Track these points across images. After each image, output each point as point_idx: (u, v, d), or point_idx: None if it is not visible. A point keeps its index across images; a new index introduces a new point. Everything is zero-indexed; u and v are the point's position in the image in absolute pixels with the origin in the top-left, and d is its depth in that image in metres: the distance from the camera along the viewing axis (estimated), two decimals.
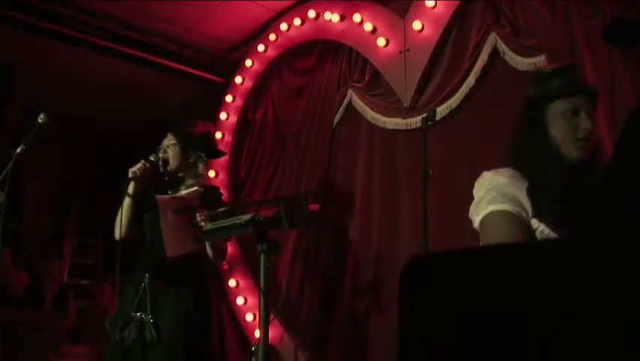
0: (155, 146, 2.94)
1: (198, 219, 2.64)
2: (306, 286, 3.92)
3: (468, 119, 3.32)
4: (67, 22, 4.38)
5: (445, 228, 3.04)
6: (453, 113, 3.35)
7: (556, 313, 0.63)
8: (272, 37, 4.49)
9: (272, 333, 3.56)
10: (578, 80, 1.81)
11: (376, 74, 3.83)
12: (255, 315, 4.13)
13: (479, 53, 3.27)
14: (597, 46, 2.77)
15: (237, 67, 4.78)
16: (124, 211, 2.82)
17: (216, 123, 4.69)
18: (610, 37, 2.63)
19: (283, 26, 4.40)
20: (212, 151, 3.06)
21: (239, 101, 4.75)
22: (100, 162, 6.16)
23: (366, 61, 3.91)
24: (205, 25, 4.71)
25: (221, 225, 2.35)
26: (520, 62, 3.05)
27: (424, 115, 2.90)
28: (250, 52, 4.69)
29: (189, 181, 2.91)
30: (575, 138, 1.73)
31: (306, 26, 4.30)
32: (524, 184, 1.67)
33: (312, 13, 4.21)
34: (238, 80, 4.72)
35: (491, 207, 1.66)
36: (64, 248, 6.47)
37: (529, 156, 1.74)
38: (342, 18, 4.04)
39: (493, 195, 1.67)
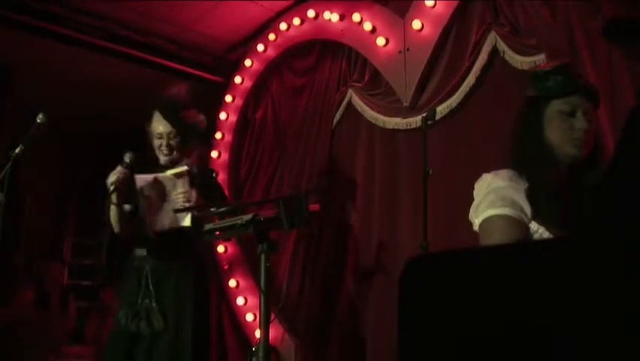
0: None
1: (182, 197, 2.66)
2: (307, 287, 3.92)
3: (468, 118, 3.31)
4: (66, 23, 4.37)
5: (445, 228, 3.04)
6: (453, 112, 3.35)
7: (556, 314, 0.62)
8: (271, 36, 4.48)
9: (272, 333, 3.55)
10: (576, 79, 1.79)
11: (376, 74, 3.83)
12: (255, 315, 4.13)
13: (479, 52, 3.26)
14: (597, 46, 2.77)
15: (237, 67, 4.77)
16: (113, 215, 2.83)
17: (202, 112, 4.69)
18: (610, 34, 2.62)
19: (283, 26, 4.40)
20: (209, 137, 3.07)
21: (238, 101, 4.75)
22: (99, 162, 6.15)
23: (365, 60, 3.91)
24: (204, 25, 4.70)
25: (222, 225, 2.35)
26: (520, 61, 3.05)
27: (424, 114, 2.90)
28: (250, 52, 4.68)
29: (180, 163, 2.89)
30: (572, 138, 1.72)
31: (306, 26, 4.29)
32: (523, 186, 1.67)
33: (311, 13, 4.20)
34: (238, 79, 4.72)
35: (490, 212, 1.66)
36: (63, 249, 6.47)
37: (527, 156, 1.74)
38: (341, 17, 4.03)
39: (492, 199, 1.67)
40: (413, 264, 0.70)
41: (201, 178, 2.87)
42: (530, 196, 1.64)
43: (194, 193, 2.72)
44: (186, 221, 2.70)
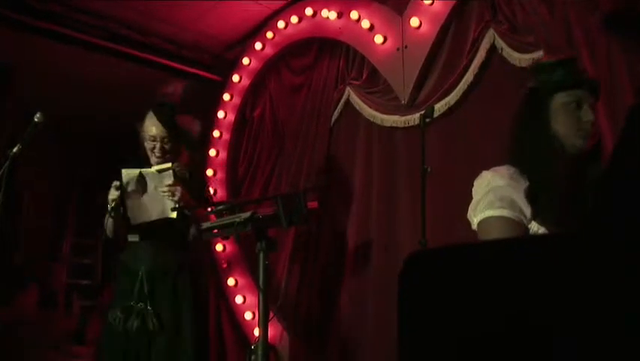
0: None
1: (167, 190, 2.72)
2: (305, 284, 3.92)
3: (466, 115, 3.31)
4: (65, 22, 4.36)
5: (444, 225, 3.04)
6: (451, 110, 3.35)
7: (556, 310, 0.63)
8: (269, 35, 4.48)
9: (271, 332, 3.55)
10: (581, 72, 1.79)
11: (374, 72, 3.83)
12: (254, 314, 4.13)
13: (477, 49, 3.26)
14: (595, 43, 2.77)
15: (235, 65, 4.77)
16: (109, 224, 2.87)
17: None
18: (611, 27, 2.61)
19: (280, 24, 4.39)
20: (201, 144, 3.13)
21: (236, 100, 4.74)
22: (99, 161, 6.15)
23: (363, 58, 3.91)
24: (203, 25, 4.69)
25: (221, 223, 2.36)
26: (518, 59, 3.05)
27: (422, 112, 2.90)
28: (248, 50, 4.67)
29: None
30: (579, 129, 1.71)
31: (304, 24, 4.29)
32: (524, 185, 1.65)
33: (309, 11, 4.20)
34: (235, 78, 4.71)
35: (488, 212, 1.64)
36: (63, 248, 6.47)
37: (531, 151, 1.72)
38: (339, 15, 4.03)
39: (491, 199, 1.65)
40: (413, 260, 0.70)
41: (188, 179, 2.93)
42: (531, 195, 1.63)
43: (179, 188, 2.76)
44: (172, 213, 2.75)
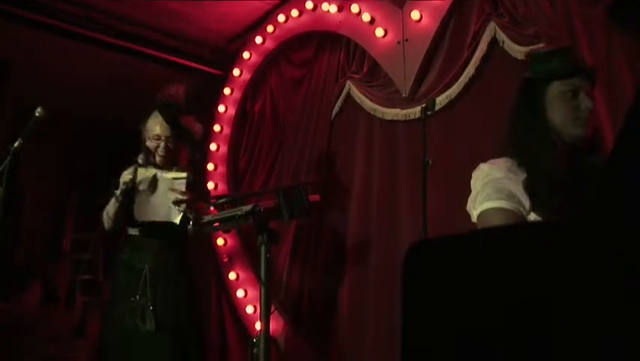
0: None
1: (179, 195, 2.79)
2: (307, 277, 3.92)
3: (467, 108, 3.31)
4: (65, 17, 4.36)
5: (445, 218, 3.04)
6: (452, 103, 3.34)
7: (557, 296, 0.63)
8: (269, 29, 4.47)
9: (273, 325, 3.56)
10: (577, 61, 1.78)
11: (375, 65, 3.82)
12: (255, 307, 4.13)
13: (478, 42, 3.26)
14: (596, 35, 2.76)
15: (235, 59, 4.76)
16: (113, 209, 2.90)
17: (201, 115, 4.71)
18: (617, 16, 2.59)
19: (281, 18, 4.38)
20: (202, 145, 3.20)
21: (237, 94, 4.74)
22: (99, 157, 6.15)
23: (364, 52, 3.90)
24: (204, 19, 4.69)
25: (222, 216, 2.35)
26: (519, 51, 3.04)
27: (423, 105, 2.90)
28: (248, 44, 4.67)
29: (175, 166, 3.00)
30: (576, 118, 1.70)
31: (304, 18, 4.28)
32: (521, 176, 1.65)
33: (309, 5, 4.19)
34: (236, 72, 4.71)
35: (487, 205, 1.65)
36: (63, 244, 6.47)
37: (528, 142, 1.71)
38: (339, 9, 4.02)
39: (489, 191, 1.65)
40: (415, 249, 0.70)
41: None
42: (529, 187, 1.63)
43: (188, 198, 2.83)
44: (176, 218, 2.83)
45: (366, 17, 3.83)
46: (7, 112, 4.95)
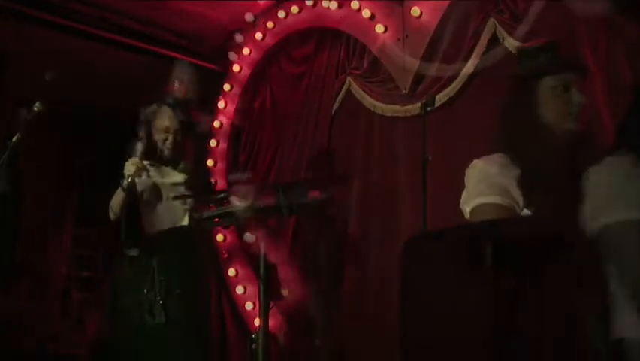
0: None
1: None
2: (306, 274, 3.92)
3: (467, 105, 3.31)
4: (65, 12, 4.35)
5: (444, 214, 3.03)
6: (452, 99, 3.35)
7: (544, 284, 0.63)
8: (270, 25, 4.46)
9: (272, 322, 3.57)
10: (566, 56, 1.77)
11: (375, 61, 3.82)
12: (254, 304, 4.14)
13: (478, 38, 3.25)
14: (596, 31, 2.76)
15: (235, 55, 4.74)
16: (118, 200, 2.88)
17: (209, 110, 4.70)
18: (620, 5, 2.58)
19: (281, 14, 4.37)
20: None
21: (237, 90, 4.73)
22: (99, 152, 6.14)
23: (364, 48, 3.90)
24: (203, 15, 4.67)
25: (221, 212, 2.35)
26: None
27: (423, 101, 2.90)
28: (248, 40, 4.66)
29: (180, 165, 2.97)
30: (568, 113, 1.69)
31: (304, 14, 4.27)
32: (515, 172, 1.64)
33: (309, 1, 4.18)
34: (236, 68, 4.70)
35: (480, 200, 1.64)
36: (63, 239, 6.46)
37: (521, 139, 1.71)
38: (340, 5, 4.02)
39: (482, 187, 1.65)
40: (412, 242, 0.70)
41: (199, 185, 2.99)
42: (523, 183, 1.62)
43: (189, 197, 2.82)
44: (184, 221, 2.82)
45: (366, 13, 3.83)
46: (6, 107, 4.94)
